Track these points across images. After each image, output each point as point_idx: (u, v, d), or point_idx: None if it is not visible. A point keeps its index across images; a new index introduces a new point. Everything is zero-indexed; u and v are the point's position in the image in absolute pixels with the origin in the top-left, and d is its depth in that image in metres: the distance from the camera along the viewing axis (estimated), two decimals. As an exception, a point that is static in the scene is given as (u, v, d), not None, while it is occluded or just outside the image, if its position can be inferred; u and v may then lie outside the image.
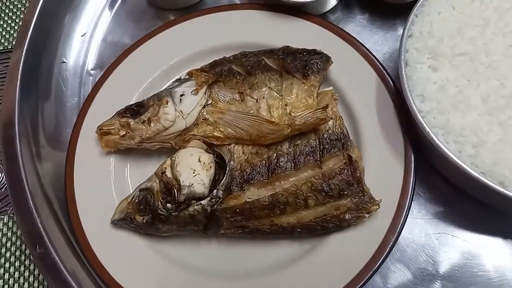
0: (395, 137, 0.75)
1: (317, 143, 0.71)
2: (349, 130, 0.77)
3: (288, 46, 0.83)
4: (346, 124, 0.77)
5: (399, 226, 0.69)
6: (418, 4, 0.76)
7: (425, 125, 0.67)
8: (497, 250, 0.74)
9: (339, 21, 0.92)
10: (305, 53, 0.80)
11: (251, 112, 0.73)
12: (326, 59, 0.78)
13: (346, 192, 0.68)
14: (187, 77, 0.83)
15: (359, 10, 0.93)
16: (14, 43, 0.99)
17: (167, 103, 0.76)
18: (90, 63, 0.94)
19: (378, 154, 0.74)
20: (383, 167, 0.73)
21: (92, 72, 0.94)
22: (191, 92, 0.77)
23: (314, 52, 0.80)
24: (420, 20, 0.75)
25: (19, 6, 1.05)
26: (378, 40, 0.89)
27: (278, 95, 0.74)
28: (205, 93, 0.76)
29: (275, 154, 0.71)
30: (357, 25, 0.91)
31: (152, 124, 0.75)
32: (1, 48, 1.01)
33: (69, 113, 0.89)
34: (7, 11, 1.05)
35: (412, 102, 0.69)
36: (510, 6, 0.73)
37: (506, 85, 0.69)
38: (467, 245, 0.74)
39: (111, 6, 1.01)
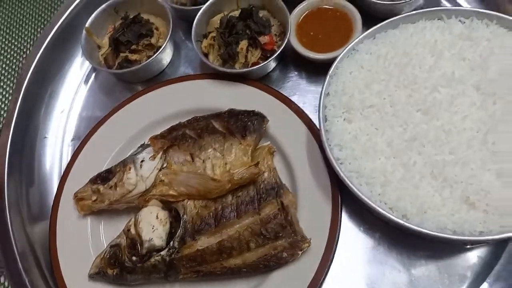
0: (324, 181, 0.87)
1: (255, 193, 0.84)
2: (285, 177, 0.90)
3: (232, 108, 0.97)
4: (283, 172, 0.90)
5: (330, 259, 0.80)
6: (333, 66, 0.90)
7: (340, 171, 0.79)
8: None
9: (278, 80, 1.07)
10: (245, 114, 0.95)
11: (199, 171, 0.87)
12: (262, 120, 0.92)
13: (281, 234, 0.80)
14: (149, 142, 0.97)
15: (295, 69, 1.07)
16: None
17: (129, 169, 0.90)
18: (68, 137, 1.09)
19: (310, 197, 0.87)
20: (314, 208, 0.85)
21: (70, 144, 1.08)
22: (149, 158, 0.91)
23: (253, 113, 0.94)
24: (335, 80, 0.89)
25: (7, 89, 1.22)
26: (312, 95, 1.03)
27: (220, 155, 0.87)
28: (161, 158, 0.90)
29: (220, 206, 0.84)
30: (294, 83, 1.06)
31: (118, 189, 0.89)
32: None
33: (50, 182, 1.03)
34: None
35: (329, 152, 0.82)
36: (408, 61, 0.87)
37: (407, 130, 0.82)
38: (397, 273, 0.84)
39: (86, 81, 1.17)
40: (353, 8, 1.02)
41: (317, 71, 1.05)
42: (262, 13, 1.07)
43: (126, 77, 1.12)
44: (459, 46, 0.86)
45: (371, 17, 1.03)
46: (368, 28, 1.03)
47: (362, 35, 0.91)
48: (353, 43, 0.91)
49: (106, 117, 1.04)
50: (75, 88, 1.15)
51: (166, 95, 1.04)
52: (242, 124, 0.92)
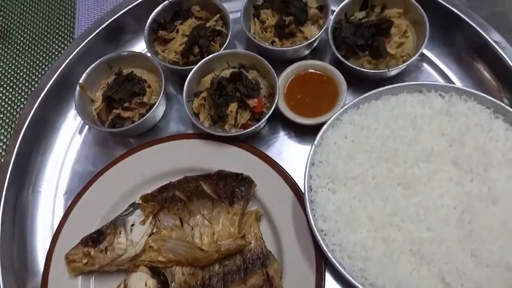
0: (309, 249, 0.90)
1: (242, 262, 0.87)
2: (271, 242, 0.93)
3: (221, 170, 1.00)
4: (269, 236, 0.94)
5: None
6: (318, 136, 0.94)
7: (323, 245, 0.83)
8: None
9: (266, 138, 1.10)
10: (234, 178, 0.98)
11: (188, 238, 0.90)
12: (249, 185, 0.96)
13: (265, 304, 0.83)
14: (140, 201, 1.00)
15: (283, 128, 1.11)
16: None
17: (120, 233, 0.92)
18: (61, 191, 1.11)
19: (295, 264, 0.90)
20: (299, 276, 0.88)
21: (63, 197, 1.11)
22: (140, 222, 0.93)
23: (241, 177, 0.97)
24: (320, 150, 0.93)
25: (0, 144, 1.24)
26: (299, 154, 1.06)
27: (208, 223, 0.90)
28: (151, 223, 0.93)
29: (208, 275, 0.87)
30: (281, 141, 1.09)
31: (108, 253, 0.91)
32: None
33: (43, 239, 1.05)
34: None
35: (313, 224, 0.85)
36: (390, 134, 0.91)
37: (387, 205, 0.85)
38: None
39: (80, 133, 1.19)
40: (338, 73, 1.06)
41: (304, 130, 1.08)
42: (252, 74, 1.11)
43: (119, 134, 1.15)
44: (438, 120, 0.91)
45: (357, 80, 1.08)
46: (353, 91, 1.08)
47: (347, 105, 0.95)
48: (337, 113, 0.95)
49: (99, 174, 1.07)
50: (68, 141, 1.17)
51: (157, 153, 1.07)
52: (230, 190, 0.95)
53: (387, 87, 0.95)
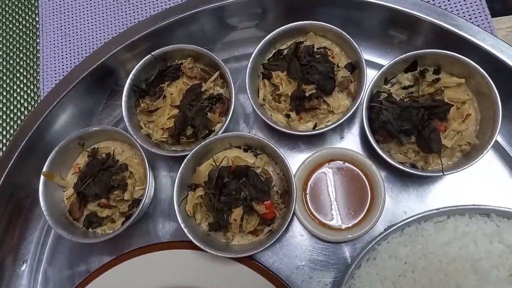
0: None
1: None
2: None
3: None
4: None
5: None
6: (347, 275, 0.71)
7: None
8: None
9: (282, 244, 0.87)
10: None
11: None
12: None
13: None
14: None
15: (301, 231, 0.88)
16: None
17: None
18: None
19: None
20: None
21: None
22: None
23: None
24: (350, 294, 0.72)
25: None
26: (321, 268, 0.85)
27: None
28: None
29: None
30: (298, 246, 0.87)
31: None
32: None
33: None
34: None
35: None
36: (444, 278, 0.69)
37: None
38: None
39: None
40: (375, 170, 0.81)
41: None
42: (260, 159, 0.86)
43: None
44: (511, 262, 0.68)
45: (395, 172, 0.83)
46: (391, 185, 0.85)
47: (387, 231, 0.72)
48: (374, 241, 0.72)
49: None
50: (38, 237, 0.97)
51: (144, 267, 0.86)
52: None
53: (441, 209, 0.71)
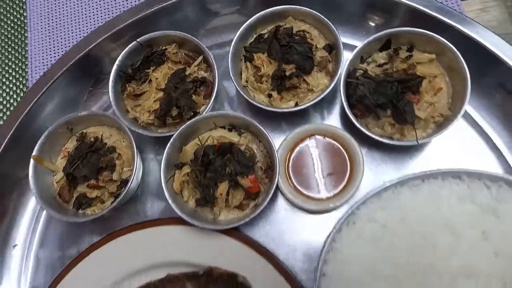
0: None
1: None
2: None
3: (211, 268, 0.83)
4: None
5: None
6: (329, 239, 0.75)
7: None
8: None
9: (265, 219, 0.90)
10: (227, 280, 0.80)
11: None
12: (246, 294, 0.78)
13: None
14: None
15: (283, 204, 0.91)
16: None
17: None
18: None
19: None
20: None
21: (28, 289, 0.94)
22: None
23: (236, 281, 0.80)
24: (332, 257, 0.75)
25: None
26: (303, 240, 0.87)
27: None
28: None
29: None
30: (283, 224, 0.89)
31: None
32: None
33: None
34: None
35: None
36: (421, 240, 0.72)
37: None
38: None
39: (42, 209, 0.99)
40: (354, 144, 0.85)
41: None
42: (245, 137, 0.89)
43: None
44: (482, 223, 0.71)
45: (372, 144, 0.87)
46: (369, 158, 0.88)
47: (367, 196, 0.75)
48: (353, 207, 0.75)
49: (64, 272, 0.88)
50: (29, 220, 0.98)
51: (134, 244, 0.88)
52: (223, 300, 0.78)
53: (416, 174, 0.75)
